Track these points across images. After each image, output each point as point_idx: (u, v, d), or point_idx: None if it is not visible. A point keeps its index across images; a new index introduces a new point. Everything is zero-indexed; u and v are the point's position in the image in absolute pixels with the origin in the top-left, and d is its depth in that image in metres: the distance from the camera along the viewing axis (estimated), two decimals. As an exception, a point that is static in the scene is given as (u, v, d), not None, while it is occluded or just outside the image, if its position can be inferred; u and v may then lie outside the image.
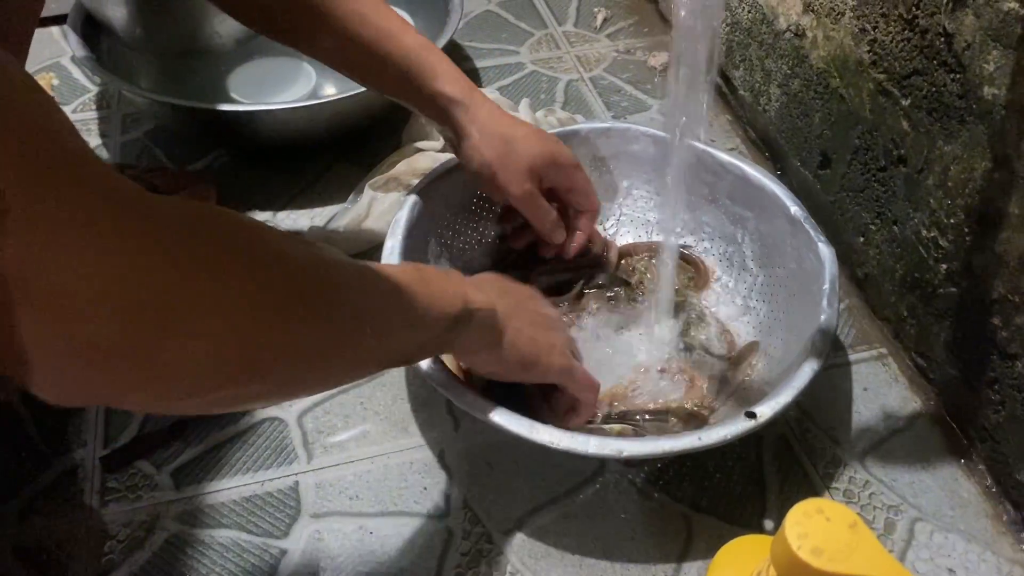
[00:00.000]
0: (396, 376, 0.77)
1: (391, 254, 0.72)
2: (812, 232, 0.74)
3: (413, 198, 0.76)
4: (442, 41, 0.97)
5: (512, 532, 0.67)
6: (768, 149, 0.98)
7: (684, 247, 0.84)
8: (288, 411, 0.74)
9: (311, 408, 0.75)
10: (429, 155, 0.91)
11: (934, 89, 0.69)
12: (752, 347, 0.76)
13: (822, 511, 0.39)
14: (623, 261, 0.84)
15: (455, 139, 0.71)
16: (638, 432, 0.70)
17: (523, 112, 0.96)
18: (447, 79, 0.68)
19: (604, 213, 0.87)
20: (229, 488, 0.69)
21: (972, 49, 0.64)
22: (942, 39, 0.67)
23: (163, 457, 0.71)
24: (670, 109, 0.64)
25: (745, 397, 0.72)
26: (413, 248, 0.74)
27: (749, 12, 0.97)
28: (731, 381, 0.73)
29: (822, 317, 0.68)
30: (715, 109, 1.07)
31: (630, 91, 1.09)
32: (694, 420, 0.71)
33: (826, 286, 0.70)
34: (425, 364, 0.65)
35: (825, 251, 0.72)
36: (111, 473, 0.70)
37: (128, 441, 0.72)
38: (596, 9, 1.22)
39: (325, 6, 0.65)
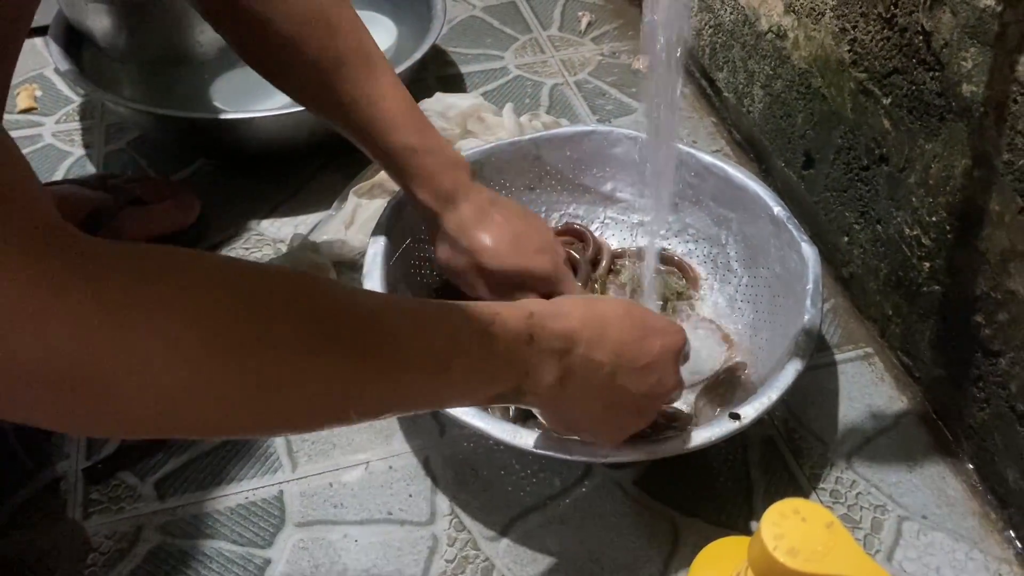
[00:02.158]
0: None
1: (374, 261, 0.71)
2: (795, 232, 0.74)
3: (393, 204, 0.76)
4: (425, 47, 0.97)
5: (498, 538, 0.67)
6: (753, 150, 0.98)
7: (670, 252, 0.84)
8: (272, 420, 0.74)
9: (295, 416, 0.74)
10: (413, 161, 0.91)
11: (914, 87, 0.69)
12: (738, 368, 0.75)
13: (798, 511, 0.39)
14: (616, 263, 0.84)
15: (430, 237, 0.73)
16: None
17: (507, 117, 0.96)
18: (422, 186, 0.69)
19: (589, 216, 0.87)
20: (213, 498, 0.69)
21: (950, 47, 0.64)
22: (920, 37, 0.67)
23: (146, 468, 0.71)
24: (647, 108, 0.64)
25: (726, 402, 0.72)
26: (394, 253, 0.74)
27: (731, 14, 0.97)
28: (715, 388, 0.73)
29: (806, 317, 0.68)
30: (700, 112, 1.07)
31: (615, 94, 1.09)
32: (676, 420, 0.71)
33: (809, 286, 0.70)
34: None
35: (808, 251, 0.72)
36: (94, 485, 0.69)
37: (111, 452, 0.71)
38: (580, 13, 1.22)
39: (328, 82, 0.66)
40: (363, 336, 0.41)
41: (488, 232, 0.70)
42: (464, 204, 0.70)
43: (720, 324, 0.79)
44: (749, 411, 0.62)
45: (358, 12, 1.11)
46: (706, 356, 0.77)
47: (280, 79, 0.69)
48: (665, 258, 0.83)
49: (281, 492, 0.69)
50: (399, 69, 0.93)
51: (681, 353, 0.59)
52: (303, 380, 0.38)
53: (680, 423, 0.70)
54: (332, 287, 0.44)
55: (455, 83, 1.10)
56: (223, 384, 0.36)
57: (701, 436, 0.61)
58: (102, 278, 0.32)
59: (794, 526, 0.38)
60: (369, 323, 0.42)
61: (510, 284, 0.71)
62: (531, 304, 0.51)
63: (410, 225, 0.77)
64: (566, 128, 0.87)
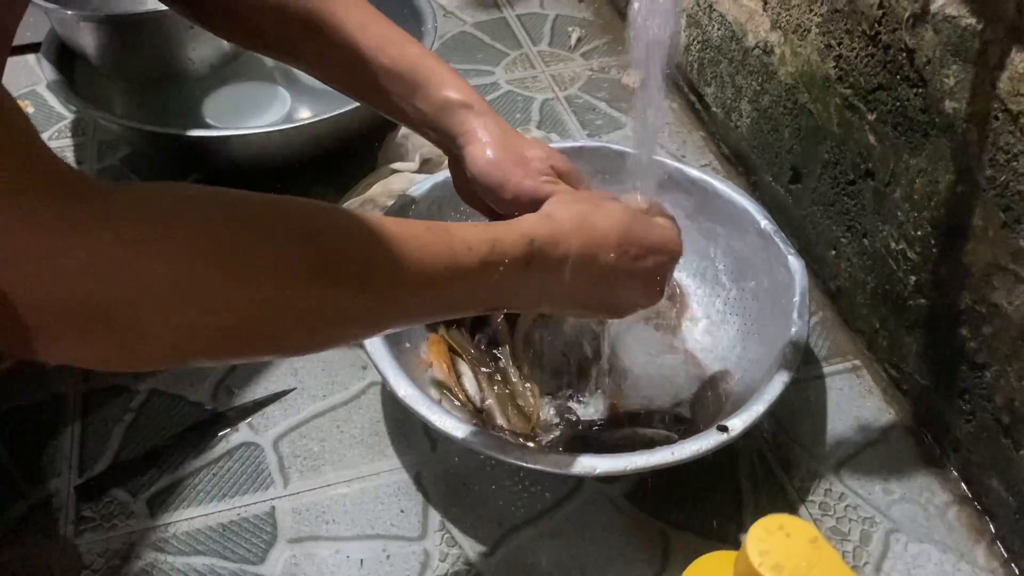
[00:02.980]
0: (373, 399, 0.77)
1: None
2: (782, 245, 0.75)
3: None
4: (416, 63, 0.98)
5: (490, 553, 0.67)
6: (741, 164, 0.99)
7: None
8: (264, 436, 0.74)
9: (287, 432, 0.75)
10: (404, 176, 0.91)
11: (898, 103, 0.70)
12: (722, 376, 0.76)
13: (783, 527, 0.39)
14: None
15: (460, 141, 0.64)
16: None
17: (498, 132, 0.97)
18: (455, 86, 0.64)
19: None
20: (205, 514, 0.69)
21: (933, 64, 0.65)
22: (904, 54, 0.68)
23: (139, 485, 0.71)
24: (635, 123, 0.65)
25: (717, 413, 0.72)
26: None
27: (719, 29, 0.98)
28: (704, 400, 0.74)
29: (793, 330, 0.69)
30: (688, 126, 1.08)
31: (605, 109, 1.10)
32: (679, 424, 0.71)
33: (796, 299, 0.71)
34: (401, 387, 0.65)
35: (795, 264, 0.73)
36: (86, 502, 0.70)
37: (104, 469, 0.72)
38: (570, 29, 1.23)
39: (320, 17, 0.63)
40: (367, 263, 0.44)
41: (524, 137, 0.66)
42: (495, 113, 0.65)
43: (700, 359, 0.79)
44: (737, 423, 0.63)
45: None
46: (683, 383, 0.77)
47: (274, 32, 0.65)
48: None
49: (273, 508, 0.70)
50: (390, 85, 0.94)
51: (674, 264, 0.62)
52: (310, 305, 0.41)
53: (682, 425, 0.71)
54: (340, 216, 0.45)
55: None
56: (235, 310, 0.39)
57: (689, 448, 0.62)
58: (119, 216, 0.35)
59: (779, 542, 0.39)
60: (374, 251, 0.44)
61: (554, 170, 0.64)
62: (533, 228, 0.53)
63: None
64: (556, 144, 0.88)
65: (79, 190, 0.34)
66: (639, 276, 0.59)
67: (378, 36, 0.64)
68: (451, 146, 0.65)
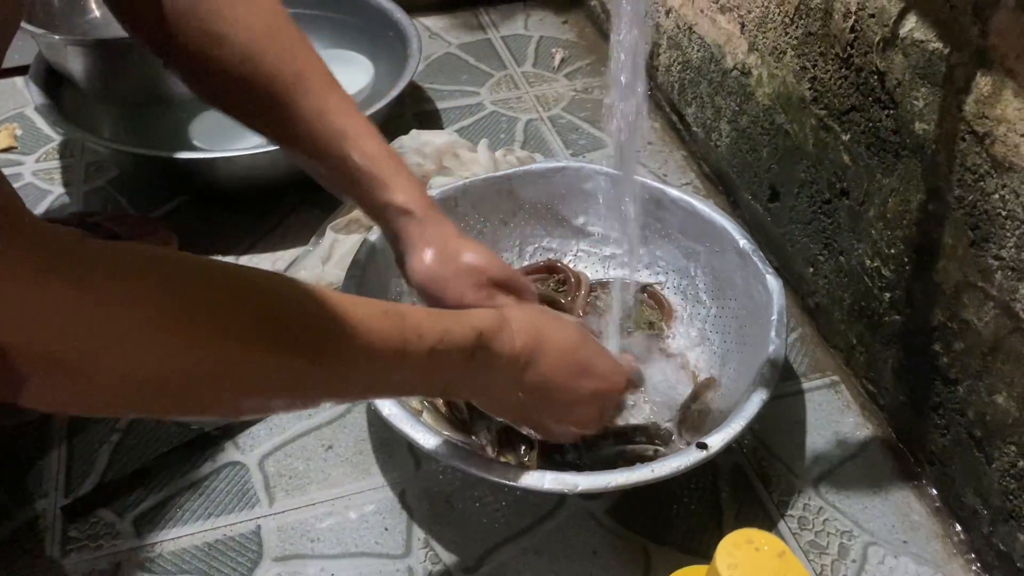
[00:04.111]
0: (358, 418, 0.78)
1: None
2: (760, 264, 0.76)
3: (368, 244, 0.78)
4: (402, 84, 1.00)
5: (473, 570, 0.68)
6: (721, 183, 1.01)
7: (649, 285, 0.85)
8: (249, 455, 0.75)
9: (272, 452, 0.75)
10: (389, 197, 0.93)
11: (871, 124, 0.72)
12: (708, 383, 0.77)
13: (752, 541, 0.40)
14: (593, 294, 0.86)
15: (401, 248, 0.66)
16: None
17: (482, 152, 0.98)
18: (403, 189, 0.64)
19: (563, 248, 0.89)
20: (191, 534, 0.70)
21: (903, 86, 0.67)
22: (875, 77, 0.70)
23: (125, 505, 0.71)
24: (614, 140, 0.66)
25: (700, 427, 0.73)
26: (371, 288, 0.75)
27: (698, 51, 1.00)
28: (688, 416, 0.75)
29: (771, 348, 0.70)
30: (670, 145, 1.09)
31: (588, 129, 1.11)
32: (661, 438, 0.72)
33: (774, 317, 0.72)
34: (385, 406, 0.66)
35: (773, 283, 0.74)
36: (73, 522, 0.70)
37: (90, 490, 0.72)
38: (554, 50, 1.25)
39: (282, 98, 0.62)
40: (319, 339, 0.45)
41: (470, 239, 0.67)
42: (442, 216, 0.66)
43: (689, 359, 0.81)
44: (716, 440, 0.64)
45: (335, 51, 1.14)
46: (675, 382, 0.79)
47: (236, 100, 0.65)
48: (649, 291, 0.85)
49: (258, 527, 0.70)
50: (377, 106, 0.95)
51: (614, 401, 0.64)
52: (260, 371, 0.43)
53: (663, 440, 0.72)
54: (297, 290, 0.46)
55: (432, 119, 1.13)
56: (188, 370, 0.40)
57: (669, 466, 0.63)
58: (83, 270, 0.36)
59: (747, 556, 0.40)
60: (327, 327, 0.45)
61: (494, 283, 0.65)
62: (482, 320, 0.54)
63: (388, 260, 0.78)
64: (539, 164, 0.89)
65: (45, 241, 0.35)
66: (576, 396, 0.60)
67: (333, 129, 0.63)
68: (395, 249, 0.67)
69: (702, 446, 0.64)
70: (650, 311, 0.85)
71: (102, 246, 0.38)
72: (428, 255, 0.64)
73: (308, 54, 0.64)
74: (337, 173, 0.65)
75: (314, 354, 0.45)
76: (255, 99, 0.63)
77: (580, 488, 0.62)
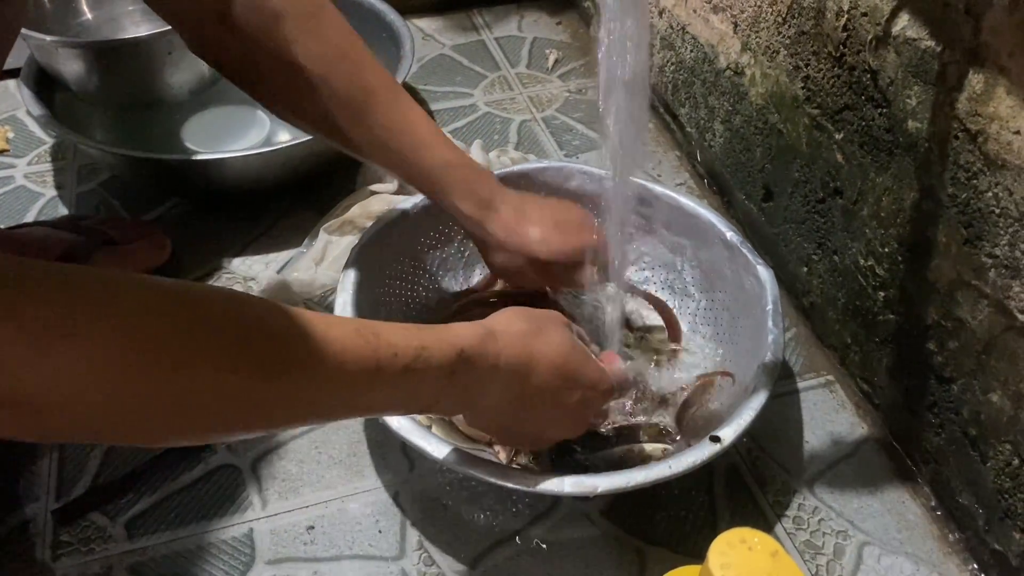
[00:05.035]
0: (352, 420, 0.78)
1: (343, 309, 0.72)
2: (750, 256, 0.76)
3: (363, 241, 0.77)
4: (394, 86, 0.99)
5: (467, 572, 0.67)
6: (715, 183, 1.01)
7: (656, 298, 0.84)
8: (242, 458, 0.75)
9: (265, 454, 0.75)
10: (383, 198, 0.92)
11: (864, 123, 0.72)
12: (708, 382, 0.77)
13: (744, 541, 0.40)
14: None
15: (479, 247, 0.74)
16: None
17: (475, 153, 0.98)
18: (464, 197, 0.70)
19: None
20: (183, 537, 0.69)
21: (895, 85, 0.67)
22: (868, 75, 0.70)
23: (116, 508, 0.71)
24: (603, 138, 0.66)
25: (699, 425, 0.73)
26: (365, 298, 0.74)
27: (691, 51, 1.00)
28: (685, 416, 0.74)
29: (770, 338, 0.70)
30: (664, 145, 1.09)
31: (582, 130, 1.11)
32: (663, 438, 0.72)
33: (769, 307, 0.72)
34: (393, 420, 0.65)
35: (764, 273, 0.74)
36: (64, 526, 0.70)
37: (81, 493, 0.72)
38: (548, 51, 1.25)
39: (356, 117, 0.67)
40: (284, 362, 0.43)
41: (533, 226, 0.71)
42: (503, 207, 0.71)
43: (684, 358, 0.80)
44: (729, 433, 0.63)
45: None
46: (673, 381, 0.78)
47: (304, 115, 0.70)
48: (651, 299, 0.84)
49: (251, 530, 0.70)
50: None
51: (598, 408, 0.65)
52: (221, 398, 0.41)
53: (665, 439, 0.71)
54: (261, 310, 0.44)
55: (425, 120, 1.12)
56: (144, 402, 0.39)
57: (686, 461, 0.62)
58: (26, 309, 0.34)
59: (740, 555, 0.40)
60: (292, 351, 0.44)
61: (566, 265, 0.72)
62: (465, 337, 0.53)
63: (380, 261, 0.78)
64: (524, 165, 0.89)
65: None
66: (563, 408, 0.60)
67: (403, 143, 0.68)
68: (476, 244, 0.74)
69: (715, 439, 0.63)
70: (657, 339, 0.82)
71: (42, 273, 0.36)
72: (499, 255, 0.72)
73: (376, 68, 0.69)
74: (408, 175, 0.71)
75: (279, 378, 0.43)
76: (325, 115, 0.67)
77: (600, 490, 0.61)
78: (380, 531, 0.70)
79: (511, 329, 0.57)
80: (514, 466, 0.70)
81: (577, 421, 0.63)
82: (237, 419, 0.43)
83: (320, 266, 0.88)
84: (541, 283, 0.76)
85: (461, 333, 0.53)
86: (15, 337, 0.34)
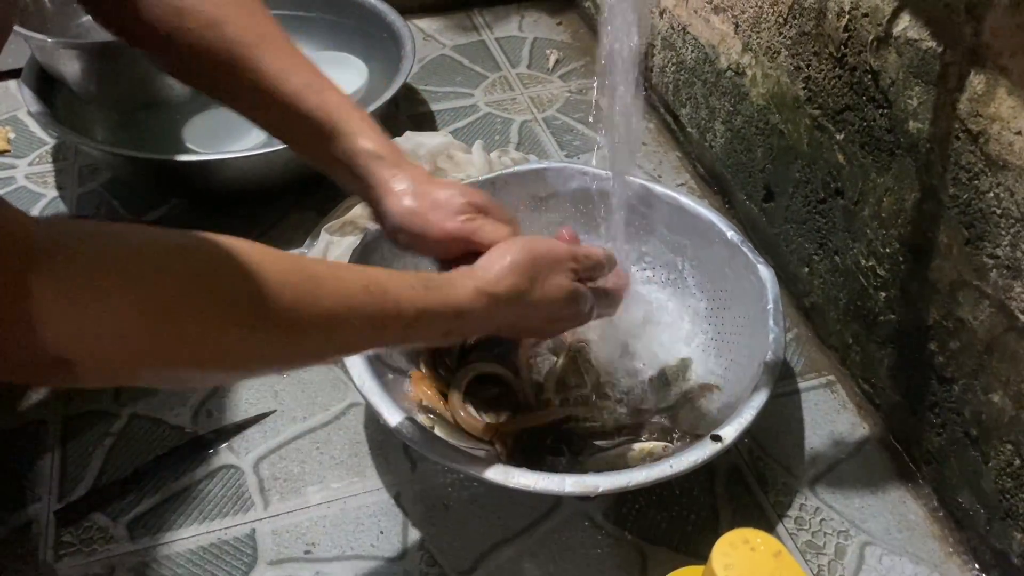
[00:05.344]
0: (353, 420, 0.78)
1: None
2: (750, 255, 0.76)
3: (366, 241, 0.77)
4: (396, 85, 0.99)
5: (469, 572, 0.67)
6: (716, 184, 1.01)
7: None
8: (244, 458, 0.75)
9: (267, 455, 0.75)
10: (384, 199, 0.92)
11: (865, 124, 0.72)
12: (705, 389, 0.77)
13: (747, 541, 0.40)
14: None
15: (376, 193, 0.65)
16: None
17: (476, 154, 0.98)
18: (370, 137, 0.64)
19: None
20: (185, 538, 0.69)
21: (896, 85, 0.67)
22: (869, 76, 0.70)
23: (119, 509, 0.71)
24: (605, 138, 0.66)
25: (699, 424, 0.73)
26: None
27: (692, 52, 1.00)
28: (680, 419, 0.74)
29: (770, 336, 0.70)
30: (665, 146, 1.09)
31: (582, 130, 1.11)
32: (665, 435, 0.72)
33: (770, 305, 0.72)
34: (384, 409, 0.65)
35: (764, 272, 0.74)
36: (66, 527, 0.70)
37: (84, 494, 0.72)
38: (548, 51, 1.25)
39: (245, 60, 0.63)
40: (300, 316, 0.47)
41: (443, 181, 0.67)
42: (409, 161, 0.66)
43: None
44: (730, 431, 0.63)
45: (329, 53, 1.14)
46: (667, 343, 0.79)
47: (201, 69, 0.65)
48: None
49: (253, 531, 0.70)
50: (371, 108, 0.95)
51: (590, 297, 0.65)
52: (241, 347, 0.45)
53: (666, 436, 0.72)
54: (277, 264, 0.47)
55: (426, 121, 1.12)
56: (168, 354, 0.42)
57: (687, 460, 0.62)
58: (60, 267, 0.38)
59: (743, 556, 0.40)
60: (306, 307, 0.47)
61: (473, 207, 0.65)
62: (463, 300, 0.57)
63: (382, 262, 0.78)
64: (523, 166, 0.89)
65: (26, 239, 0.38)
66: (558, 320, 0.65)
67: (298, 83, 0.64)
68: (368, 197, 0.66)
69: (716, 438, 0.63)
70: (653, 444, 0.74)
71: (75, 234, 0.40)
72: (405, 193, 0.64)
73: (268, 20, 0.65)
74: (304, 128, 0.64)
75: (292, 328, 0.47)
76: (220, 65, 0.63)
77: (601, 489, 0.61)
78: (382, 532, 0.70)
79: (506, 286, 0.59)
80: (513, 464, 0.70)
81: (576, 312, 0.65)
82: (249, 365, 0.48)
83: (321, 267, 0.88)
84: (449, 225, 0.64)
85: (461, 296, 0.56)
86: (51, 296, 0.37)
